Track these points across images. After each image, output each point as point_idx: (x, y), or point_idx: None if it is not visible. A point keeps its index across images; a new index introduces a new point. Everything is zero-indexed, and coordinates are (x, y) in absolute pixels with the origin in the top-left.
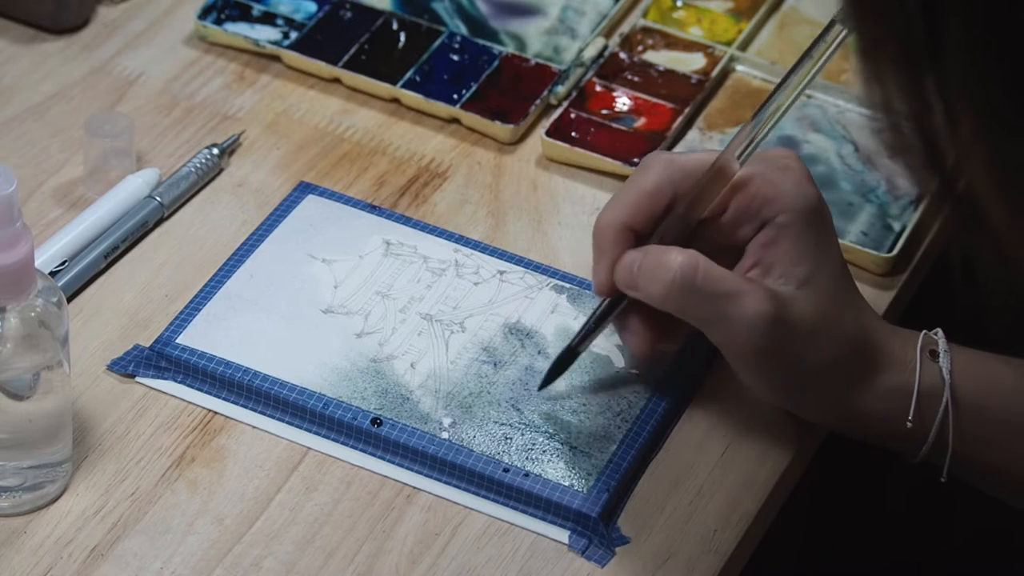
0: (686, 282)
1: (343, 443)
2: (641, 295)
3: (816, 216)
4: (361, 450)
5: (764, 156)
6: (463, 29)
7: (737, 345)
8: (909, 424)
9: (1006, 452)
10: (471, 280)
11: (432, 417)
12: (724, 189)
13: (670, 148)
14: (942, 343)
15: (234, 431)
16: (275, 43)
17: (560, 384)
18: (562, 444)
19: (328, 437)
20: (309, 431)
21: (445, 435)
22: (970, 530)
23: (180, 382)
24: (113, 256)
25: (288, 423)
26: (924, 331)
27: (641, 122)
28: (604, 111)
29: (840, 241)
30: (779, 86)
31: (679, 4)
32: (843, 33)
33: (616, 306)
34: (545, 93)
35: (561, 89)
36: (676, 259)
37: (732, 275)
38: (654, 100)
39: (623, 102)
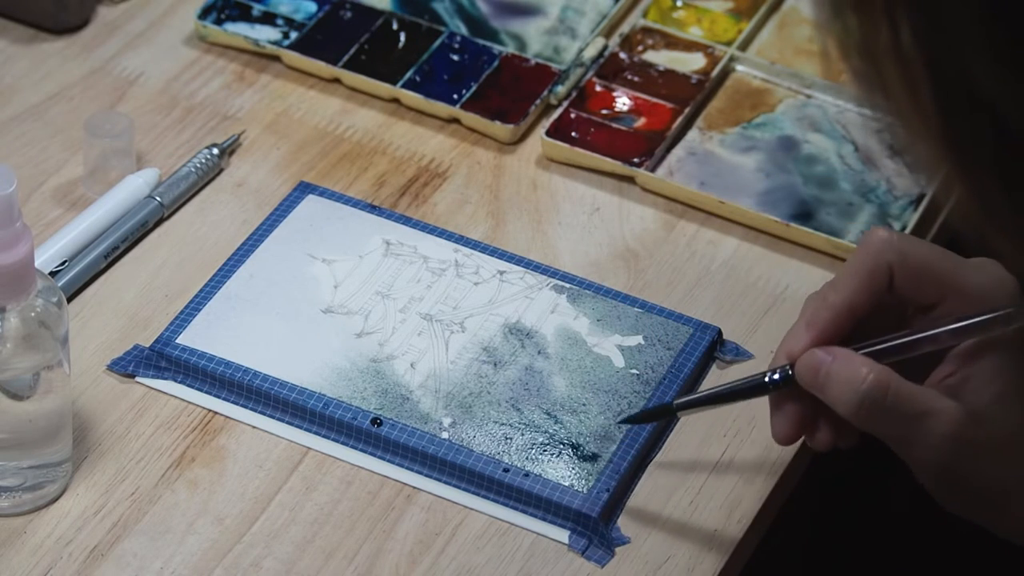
0: (876, 401)
1: (343, 443)
2: (825, 399)
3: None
4: (361, 450)
5: (977, 262)
6: (463, 29)
7: (924, 465)
8: None
9: None
10: (471, 280)
11: (432, 417)
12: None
13: (670, 148)
14: None
15: (234, 431)
16: (275, 43)
17: (560, 384)
18: (562, 444)
19: (328, 437)
20: (309, 431)
21: (445, 435)
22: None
23: (180, 382)
24: (113, 256)
25: (288, 423)
26: None
27: (641, 122)
28: (604, 111)
29: (840, 241)
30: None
31: (679, 4)
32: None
33: (765, 391)
34: (545, 93)
35: (561, 89)
36: (867, 375)
37: (922, 392)
38: (654, 100)
39: (623, 102)
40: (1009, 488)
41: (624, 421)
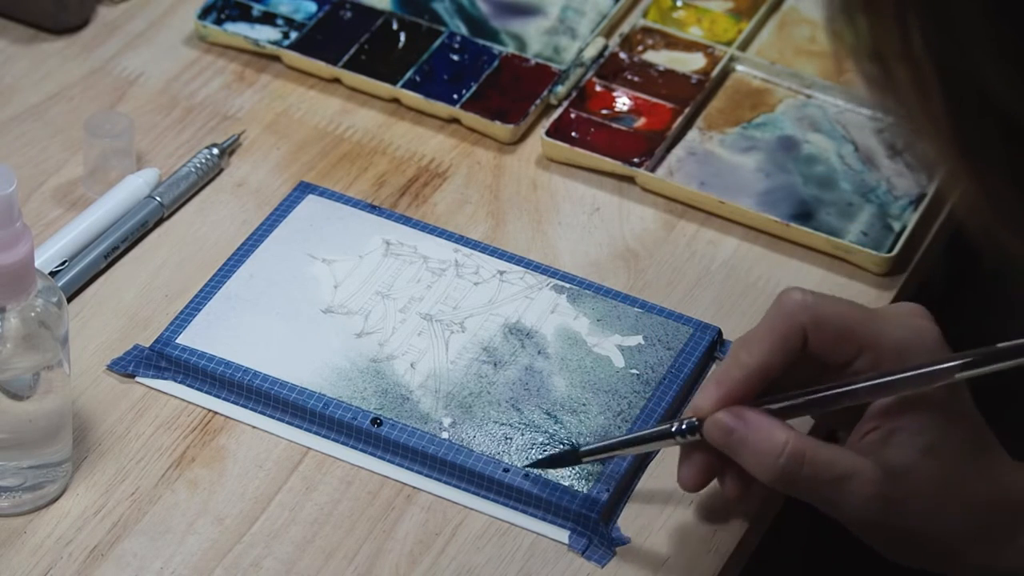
0: (792, 471)
1: (343, 443)
2: (739, 462)
3: (950, 386)
4: (361, 450)
5: (896, 312)
6: (463, 29)
7: (855, 525)
8: None
9: None
10: (471, 280)
11: (432, 417)
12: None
13: (670, 148)
14: None
15: (234, 431)
16: (275, 43)
17: (560, 384)
18: (562, 444)
19: (328, 437)
20: (309, 431)
21: (445, 435)
22: None
23: (180, 382)
24: (113, 256)
25: (288, 423)
26: None
27: (641, 122)
28: (604, 111)
29: (840, 241)
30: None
31: (679, 4)
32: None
33: (670, 440)
34: (545, 93)
35: (561, 89)
36: (784, 445)
37: (841, 455)
38: (654, 100)
39: (623, 102)
40: (945, 537)
41: (531, 466)
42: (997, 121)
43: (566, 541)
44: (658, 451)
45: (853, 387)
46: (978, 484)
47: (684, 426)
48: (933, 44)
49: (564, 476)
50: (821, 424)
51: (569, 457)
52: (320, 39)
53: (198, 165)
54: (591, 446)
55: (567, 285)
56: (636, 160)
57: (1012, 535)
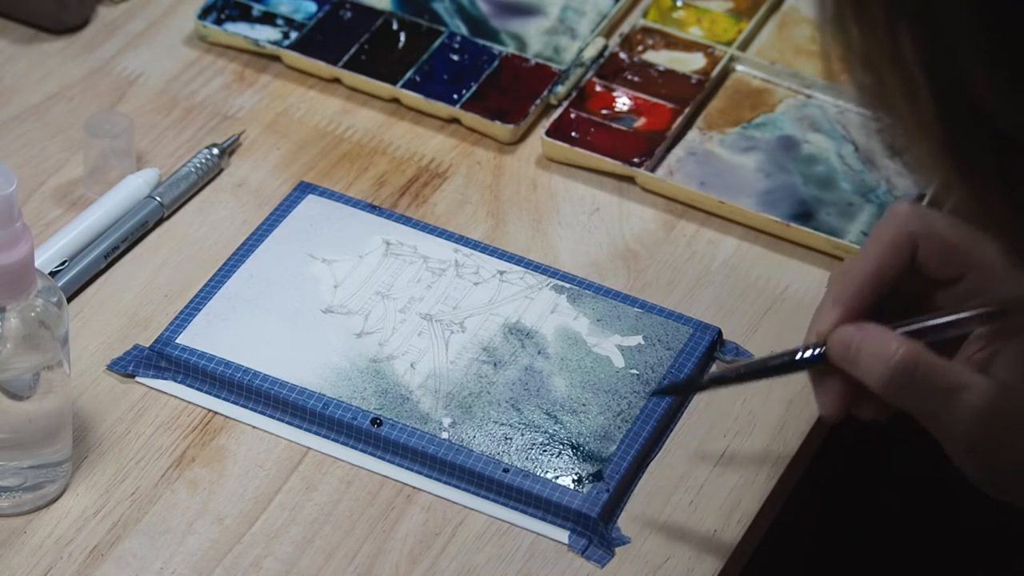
0: (905, 375)
1: (343, 443)
2: (856, 375)
3: None
4: (361, 450)
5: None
6: (463, 29)
7: (955, 440)
8: None
9: None
10: (471, 280)
11: (432, 417)
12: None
13: (670, 148)
14: None
15: (234, 431)
16: (275, 43)
17: (560, 384)
18: (562, 444)
19: (328, 437)
20: (309, 431)
21: (445, 435)
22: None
23: (180, 382)
24: (113, 256)
25: (288, 423)
26: None
27: (641, 122)
28: (604, 111)
29: (840, 241)
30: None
31: (679, 4)
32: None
33: (796, 368)
34: (545, 93)
35: (561, 89)
36: (897, 349)
37: (952, 367)
38: (654, 100)
39: (623, 102)
40: None
41: (656, 393)
42: (987, 129)
43: (566, 541)
44: (659, 450)
45: (965, 315)
46: None
47: (809, 354)
48: (923, 52)
49: (564, 476)
50: None
51: (695, 385)
52: (320, 39)
53: (198, 165)
54: (716, 374)
55: (567, 285)
56: (636, 160)
57: None
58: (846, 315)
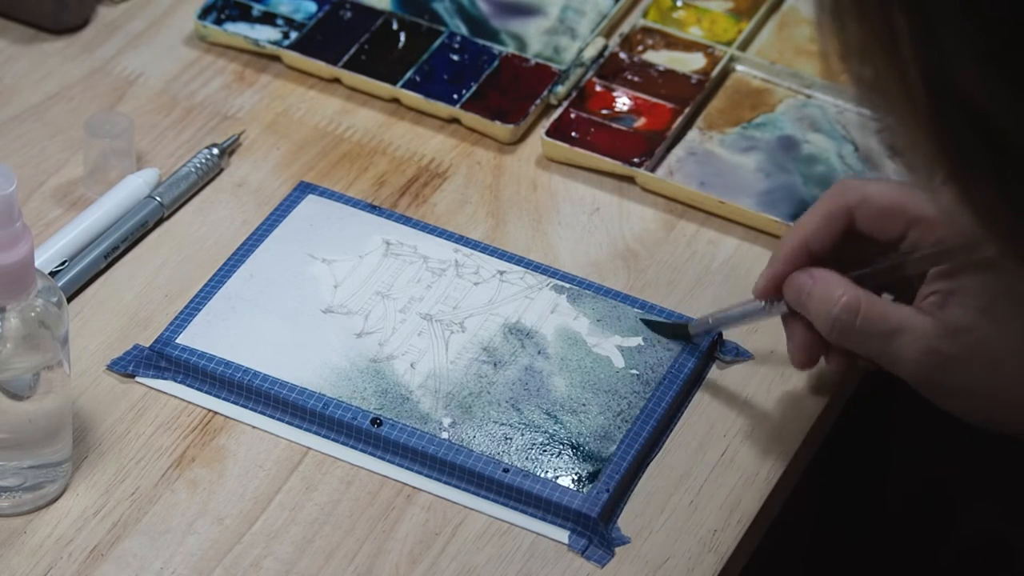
0: (848, 320)
1: (343, 443)
2: (809, 319)
3: None
4: (361, 450)
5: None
6: (463, 29)
7: (908, 378)
8: None
9: None
10: (471, 280)
11: (432, 417)
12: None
13: (670, 148)
14: None
15: (234, 431)
16: (275, 43)
17: (560, 384)
18: (562, 444)
19: (328, 437)
20: (309, 431)
21: (445, 435)
22: (969, 531)
23: (180, 382)
24: (113, 256)
25: (288, 423)
26: None
27: (641, 122)
28: (604, 111)
29: None
30: None
31: (679, 4)
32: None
33: (761, 315)
34: (545, 93)
35: (561, 89)
36: (840, 296)
37: (896, 310)
38: (654, 100)
39: (623, 102)
40: (1006, 394)
41: (644, 321)
42: (980, 128)
43: (566, 541)
44: (659, 450)
45: (907, 257)
46: None
47: (768, 302)
48: (918, 47)
49: (564, 476)
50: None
51: (680, 331)
52: (320, 39)
53: (198, 165)
54: (698, 326)
55: (567, 285)
56: (636, 160)
57: None
58: (773, 276)
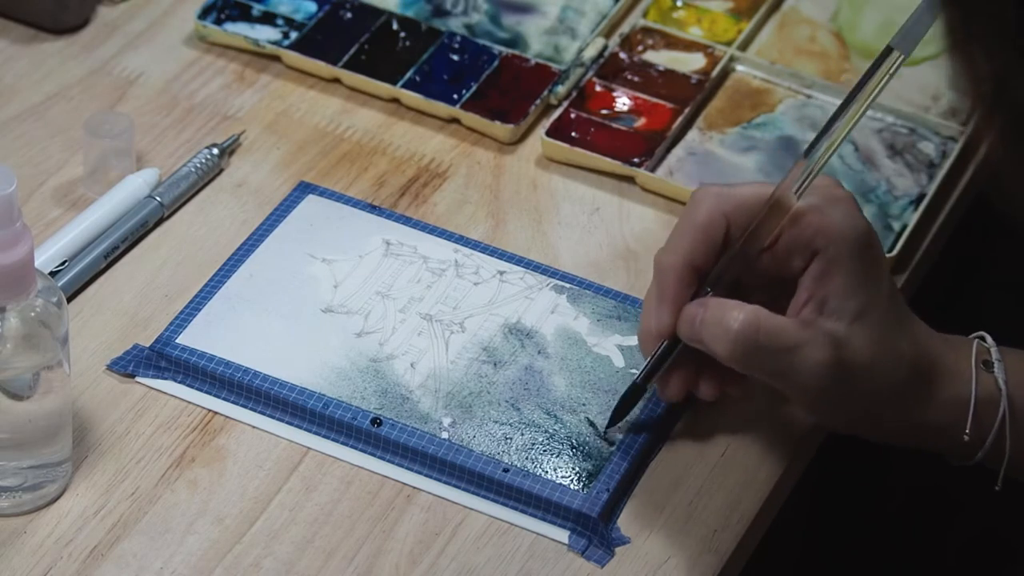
0: (748, 341)
1: (343, 443)
2: (706, 350)
3: (866, 246)
4: (361, 450)
5: (811, 187)
6: (463, 29)
7: (805, 393)
8: (966, 437)
9: None
10: (471, 280)
11: (432, 417)
12: (782, 223)
13: (670, 148)
14: (994, 352)
15: (234, 431)
16: (275, 43)
17: (560, 384)
18: (562, 444)
19: (328, 437)
20: (309, 431)
21: (445, 435)
22: (968, 531)
23: (180, 382)
24: (113, 256)
25: (288, 423)
26: (976, 339)
27: (641, 122)
28: (604, 111)
29: None
30: (835, 117)
31: (679, 4)
32: (899, 60)
33: (676, 347)
34: (545, 93)
35: (561, 89)
36: (737, 317)
37: (791, 326)
38: (654, 100)
39: (623, 102)
40: (877, 397)
41: (609, 426)
42: None
43: (566, 541)
44: (658, 451)
45: (746, 239)
46: (901, 344)
47: (669, 344)
48: None
49: (564, 476)
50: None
51: (636, 392)
52: (320, 39)
53: (198, 165)
54: (639, 377)
55: (567, 285)
56: (636, 160)
57: (928, 392)
58: (674, 311)
